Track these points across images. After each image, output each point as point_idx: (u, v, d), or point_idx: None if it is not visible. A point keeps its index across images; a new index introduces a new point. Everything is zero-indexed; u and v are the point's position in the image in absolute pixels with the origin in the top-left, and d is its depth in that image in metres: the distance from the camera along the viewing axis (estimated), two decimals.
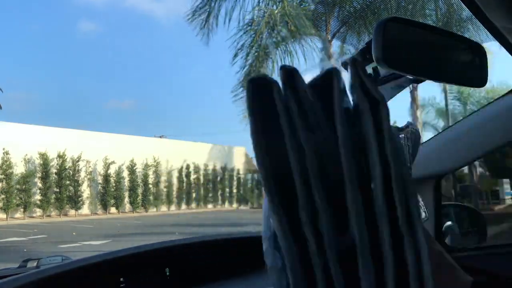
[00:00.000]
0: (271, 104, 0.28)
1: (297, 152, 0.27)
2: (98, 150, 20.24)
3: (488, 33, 0.83)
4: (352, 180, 0.26)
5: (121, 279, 0.97)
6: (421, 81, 0.87)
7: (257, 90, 0.28)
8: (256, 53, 12.20)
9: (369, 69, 0.83)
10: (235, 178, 27.36)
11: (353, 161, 0.27)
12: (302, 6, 11.82)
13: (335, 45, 11.48)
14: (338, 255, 0.26)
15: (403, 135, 0.56)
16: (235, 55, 12.26)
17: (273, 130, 0.28)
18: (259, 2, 11.80)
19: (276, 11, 11.83)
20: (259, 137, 0.28)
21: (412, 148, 0.60)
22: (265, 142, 0.28)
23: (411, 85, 0.93)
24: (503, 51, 0.93)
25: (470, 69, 0.78)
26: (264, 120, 0.28)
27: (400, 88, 0.88)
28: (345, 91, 0.28)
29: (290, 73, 0.29)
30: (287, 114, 0.28)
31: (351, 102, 0.29)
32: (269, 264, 0.30)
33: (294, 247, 0.26)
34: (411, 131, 0.60)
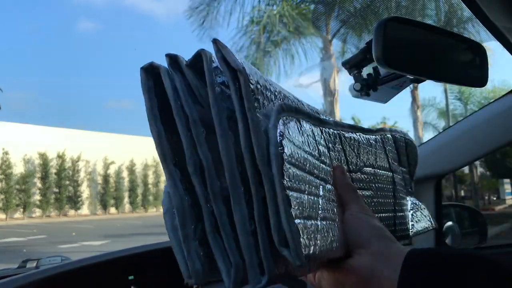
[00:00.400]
0: (161, 86, 0.33)
1: (185, 122, 0.33)
2: (98, 150, 20.25)
3: (488, 33, 0.83)
4: (228, 150, 0.31)
5: (121, 279, 0.97)
6: (422, 81, 0.87)
7: (147, 75, 0.33)
8: (255, 54, 12.21)
9: (369, 69, 0.83)
10: None
11: (227, 136, 0.31)
12: (301, 6, 11.82)
13: (336, 45, 11.49)
14: (219, 195, 0.33)
15: (376, 136, 0.53)
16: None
17: (164, 107, 0.33)
18: (259, 2, 11.81)
19: (275, 12, 11.84)
20: (154, 111, 0.33)
21: (409, 159, 0.60)
22: (158, 116, 0.33)
23: (411, 85, 0.93)
24: (504, 51, 0.93)
25: (471, 69, 0.78)
26: (156, 101, 0.33)
27: (400, 88, 0.88)
28: (216, 69, 0.33)
29: (174, 59, 0.33)
30: (174, 90, 0.33)
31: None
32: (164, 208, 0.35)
33: (184, 193, 0.34)
34: (406, 141, 0.59)
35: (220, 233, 0.33)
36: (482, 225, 1.19)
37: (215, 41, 0.31)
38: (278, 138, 0.32)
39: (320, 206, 0.35)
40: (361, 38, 9.38)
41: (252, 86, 0.32)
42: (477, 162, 14.03)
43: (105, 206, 20.50)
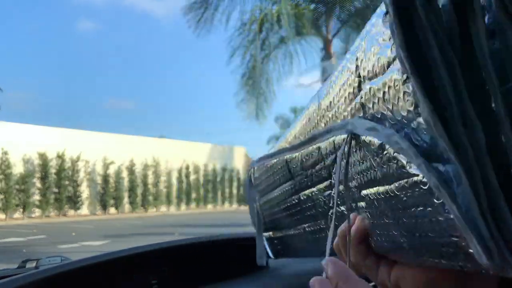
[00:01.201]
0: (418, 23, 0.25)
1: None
2: (97, 150, 20.24)
3: None
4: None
5: (121, 279, 0.97)
6: None
7: (400, 7, 0.26)
8: (253, 53, 12.21)
9: None
10: (235, 178, 27.37)
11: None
12: (301, 6, 11.83)
13: (336, 44, 11.50)
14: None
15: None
16: (232, 55, 12.27)
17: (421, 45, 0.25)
18: (260, 0, 11.81)
19: (274, 11, 11.84)
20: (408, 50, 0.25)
21: None
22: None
23: None
24: None
25: None
26: (410, 36, 0.25)
27: None
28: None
29: None
30: (433, 32, 0.25)
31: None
32: (430, 181, 0.25)
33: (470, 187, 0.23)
34: None
35: None
36: None
37: None
38: None
39: None
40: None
41: None
42: None
43: (104, 206, 20.49)
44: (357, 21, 10.04)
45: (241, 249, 1.20)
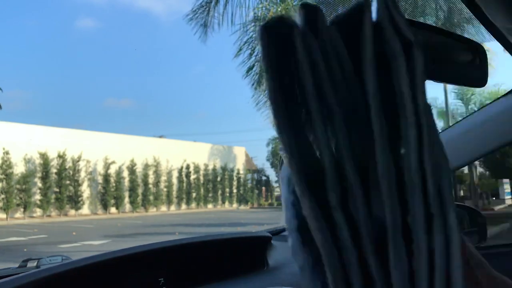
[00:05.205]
0: (291, 56, 0.22)
1: (324, 119, 0.22)
2: (98, 150, 20.25)
3: (488, 33, 0.83)
4: (383, 147, 0.21)
5: (121, 279, 0.97)
6: None
7: (274, 39, 0.22)
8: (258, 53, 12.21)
9: None
10: (235, 178, 27.36)
11: (384, 121, 0.21)
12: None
13: None
14: (373, 243, 0.21)
15: None
16: (239, 50, 12.24)
17: (294, 91, 0.23)
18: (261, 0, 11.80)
19: (279, 9, 11.84)
20: (278, 101, 0.22)
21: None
22: (285, 106, 0.22)
23: None
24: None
25: (471, 69, 0.78)
26: (283, 78, 0.23)
27: None
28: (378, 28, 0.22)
29: (313, 12, 0.23)
30: (312, 69, 0.22)
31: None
32: (299, 263, 0.24)
33: (329, 235, 0.22)
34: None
35: None
36: (482, 225, 1.19)
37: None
38: None
39: None
40: None
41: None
42: (477, 162, 14.02)
43: (105, 206, 20.50)
44: None
45: (241, 248, 1.20)
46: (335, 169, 0.22)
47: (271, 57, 0.22)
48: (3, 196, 17.11)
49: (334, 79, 0.22)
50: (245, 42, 12.12)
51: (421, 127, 0.21)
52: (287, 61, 0.23)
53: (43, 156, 18.41)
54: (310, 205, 0.21)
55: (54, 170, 18.76)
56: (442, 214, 0.20)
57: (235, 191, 27.47)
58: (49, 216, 18.59)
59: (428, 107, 0.21)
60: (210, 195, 25.74)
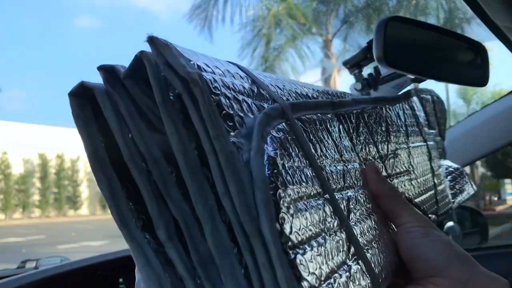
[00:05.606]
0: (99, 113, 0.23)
1: (142, 164, 0.23)
2: None
3: (490, 32, 0.83)
4: (200, 200, 0.21)
5: (120, 279, 0.96)
6: (422, 81, 0.86)
7: (79, 102, 0.23)
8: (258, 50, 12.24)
9: (370, 69, 0.82)
10: None
11: (199, 177, 0.22)
12: (303, 5, 11.84)
13: (336, 44, 11.50)
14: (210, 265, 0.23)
15: (404, 104, 0.46)
16: (242, 49, 12.28)
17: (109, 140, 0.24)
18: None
19: (279, 8, 11.85)
20: (99, 154, 0.24)
21: (438, 118, 0.58)
22: (107, 160, 0.24)
23: (412, 85, 0.93)
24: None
25: (472, 68, 0.78)
26: (96, 135, 0.24)
27: (401, 87, 0.88)
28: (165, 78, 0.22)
29: (110, 72, 0.24)
30: (117, 119, 0.23)
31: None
32: None
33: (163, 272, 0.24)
34: (433, 100, 0.57)
35: None
36: (483, 225, 1.19)
37: (152, 40, 0.22)
38: (267, 171, 0.20)
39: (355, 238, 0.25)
40: (361, 38, 9.40)
41: (217, 97, 0.21)
42: (478, 162, 14.03)
43: (104, 206, 20.49)
44: (357, 20, 10.07)
45: None
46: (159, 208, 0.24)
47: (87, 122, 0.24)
48: (1, 196, 17.11)
49: (141, 130, 0.23)
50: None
51: (216, 154, 0.20)
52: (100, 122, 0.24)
53: (42, 156, 18.41)
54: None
55: (53, 171, 18.76)
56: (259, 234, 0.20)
57: None
58: (47, 216, 18.58)
59: (219, 132, 0.20)
60: None
